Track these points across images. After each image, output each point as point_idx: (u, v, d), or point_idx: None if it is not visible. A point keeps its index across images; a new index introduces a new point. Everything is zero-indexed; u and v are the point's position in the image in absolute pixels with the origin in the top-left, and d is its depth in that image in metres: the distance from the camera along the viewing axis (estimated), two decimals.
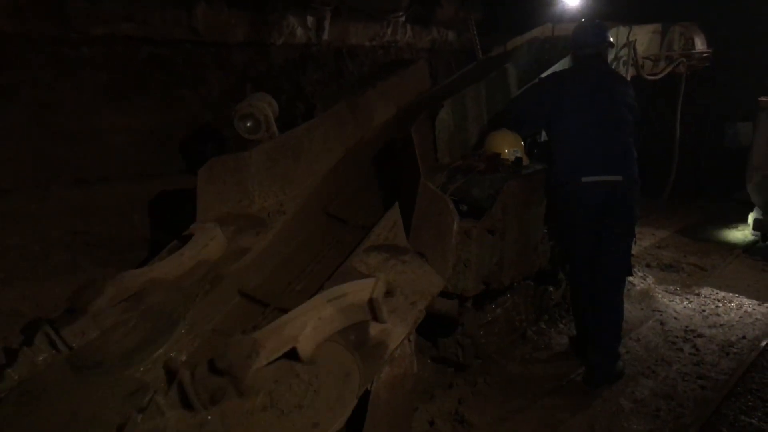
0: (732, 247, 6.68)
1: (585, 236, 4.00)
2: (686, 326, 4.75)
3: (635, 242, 4.23)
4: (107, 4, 4.62)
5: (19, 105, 4.40)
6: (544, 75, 4.67)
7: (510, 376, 3.99)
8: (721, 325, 4.79)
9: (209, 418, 2.56)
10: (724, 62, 7.32)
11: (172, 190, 5.08)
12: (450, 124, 4.27)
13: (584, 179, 3.88)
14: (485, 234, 3.63)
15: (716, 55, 6.83)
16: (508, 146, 4.17)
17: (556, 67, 4.95)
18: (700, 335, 4.61)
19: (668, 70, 6.31)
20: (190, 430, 2.54)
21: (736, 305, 5.17)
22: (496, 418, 3.55)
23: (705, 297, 5.34)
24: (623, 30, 5.82)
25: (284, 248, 3.91)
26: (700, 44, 6.65)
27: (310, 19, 6.04)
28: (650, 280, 5.72)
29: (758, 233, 6.70)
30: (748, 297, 5.34)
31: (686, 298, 5.30)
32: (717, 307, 5.14)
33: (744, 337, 4.57)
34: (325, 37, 6.25)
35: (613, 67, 5.61)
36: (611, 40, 4.36)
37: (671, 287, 5.55)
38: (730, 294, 5.40)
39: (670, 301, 5.24)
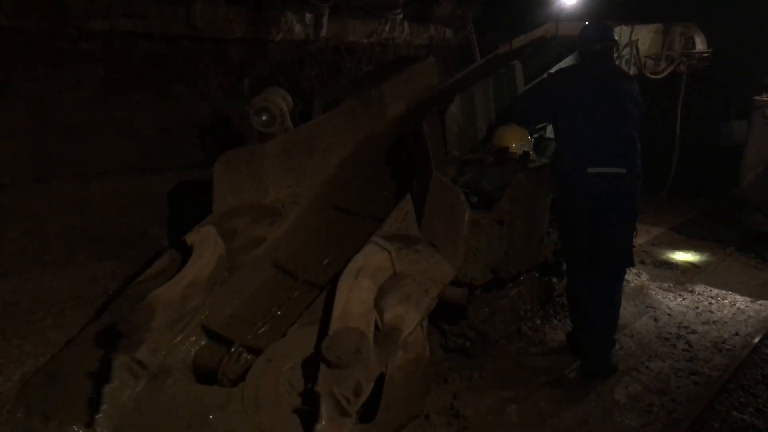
0: (726, 245, 6.71)
1: (586, 227, 4.08)
2: (679, 323, 4.79)
3: (636, 235, 4.30)
4: (105, 0, 4.63)
5: (16, 99, 4.41)
6: (551, 71, 4.77)
7: (505, 371, 4.02)
8: (714, 322, 4.83)
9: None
10: (719, 61, 7.35)
11: (170, 185, 5.10)
12: (459, 119, 4.38)
13: (590, 170, 3.96)
14: (494, 225, 3.75)
15: (713, 55, 6.88)
16: (516, 140, 4.30)
17: (562, 65, 5.06)
18: (693, 332, 4.65)
19: (670, 69, 6.37)
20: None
21: (729, 302, 5.21)
22: (490, 412, 3.58)
23: (698, 294, 5.38)
24: (626, 29, 5.90)
25: (299, 238, 4.02)
26: (700, 44, 6.70)
27: (308, 16, 6.06)
28: (644, 276, 5.75)
29: (752, 231, 6.73)
30: (741, 294, 5.37)
31: (680, 295, 5.34)
32: (710, 304, 5.18)
33: (737, 334, 4.61)
34: (323, 33, 6.27)
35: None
36: (616, 38, 4.43)
37: (665, 284, 5.59)
38: (724, 291, 5.44)
39: (663, 297, 5.28)
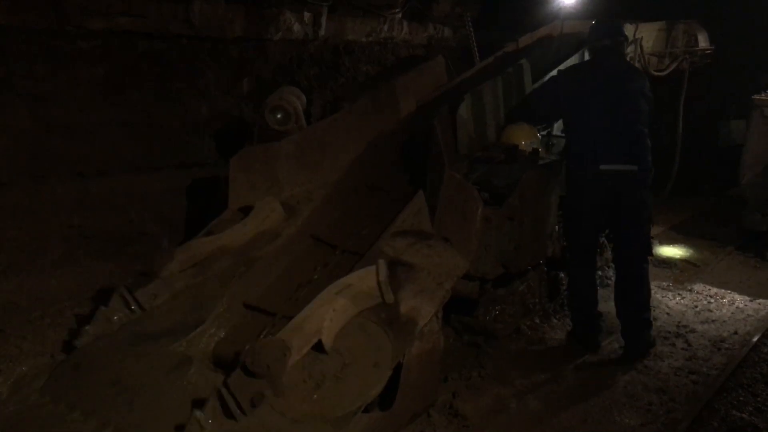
0: (724, 244, 6.71)
1: (593, 224, 4.27)
2: (678, 322, 4.79)
3: (652, 225, 4.42)
4: None
5: (15, 98, 4.40)
6: (560, 68, 4.88)
7: (504, 370, 4.02)
8: (713, 321, 4.83)
9: (251, 422, 2.74)
10: (717, 60, 7.36)
11: (169, 183, 5.09)
12: (469, 117, 4.48)
13: (602, 167, 4.06)
14: (505, 220, 3.86)
15: (714, 53, 6.89)
16: (525, 138, 4.41)
17: (569, 62, 5.14)
18: (692, 330, 4.65)
19: (673, 66, 6.40)
20: None
21: (728, 301, 5.21)
22: (489, 411, 3.57)
23: (697, 293, 5.38)
24: (630, 27, 5.94)
25: (313, 233, 4.15)
26: (702, 41, 6.73)
27: (306, 15, 6.05)
28: None
29: (750, 230, 6.73)
30: (740, 293, 5.37)
31: (679, 294, 5.34)
32: (709, 303, 5.18)
33: (736, 333, 4.61)
34: (322, 32, 6.26)
35: None
36: (626, 34, 4.45)
37: (664, 283, 5.58)
38: (723, 290, 5.44)
39: (662, 296, 5.28)
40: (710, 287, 5.50)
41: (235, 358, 3.18)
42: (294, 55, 6.20)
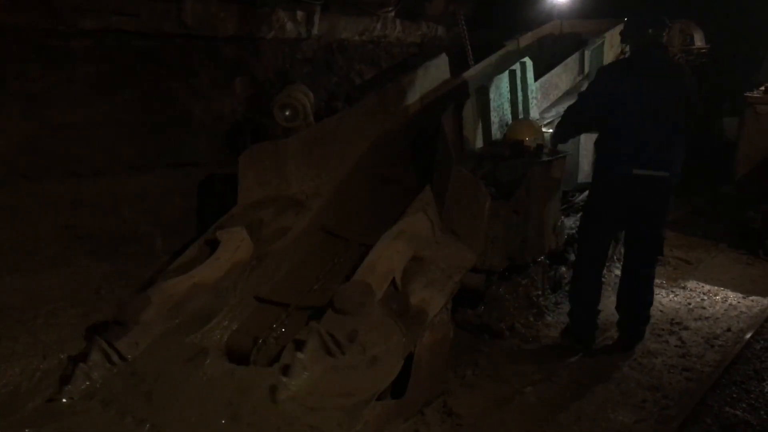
0: (717, 241, 6.73)
1: (613, 225, 4.36)
2: (672, 319, 4.80)
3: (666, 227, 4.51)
4: None
5: (8, 97, 4.38)
6: (601, 67, 4.98)
7: (498, 368, 4.02)
8: (706, 318, 4.84)
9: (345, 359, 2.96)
10: (711, 58, 7.38)
11: (163, 183, 5.08)
12: (475, 114, 4.62)
13: (635, 171, 4.01)
14: (511, 214, 4.00)
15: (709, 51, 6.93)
16: (530, 134, 4.51)
17: (569, 62, 5.16)
18: (685, 328, 4.66)
19: None
20: (341, 372, 2.96)
21: (722, 298, 5.23)
22: (483, 410, 3.58)
23: (691, 290, 5.39)
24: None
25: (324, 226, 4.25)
26: (698, 40, 6.76)
27: (299, 14, 6.04)
28: None
29: (743, 227, 6.75)
30: (733, 290, 5.39)
31: (672, 291, 5.36)
32: (702, 300, 5.20)
33: (729, 330, 4.62)
34: (315, 31, 6.25)
35: None
36: (668, 25, 4.32)
37: (657, 281, 5.53)
38: (716, 287, 5.46)
39: (656, 294, 5.24)
40: (703, 284, 5.52)
41: (250, 348, 3.37)
42: (287, 53, 6.19)
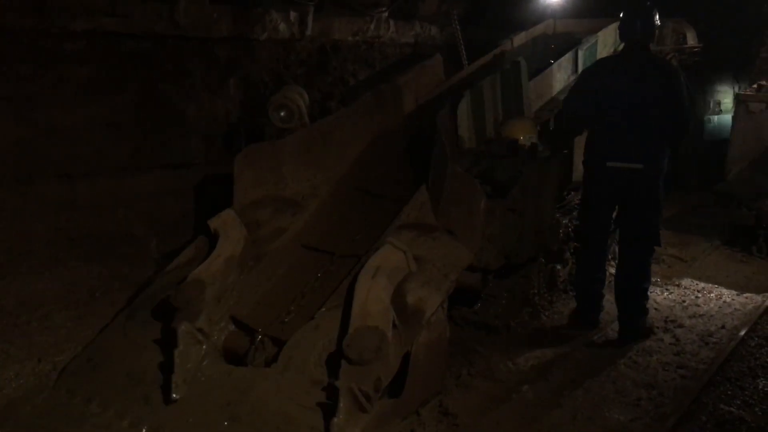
0: (711, 239, 6.75)
1: (604, 214, 4.48)
2: (666, 317, 4.81)
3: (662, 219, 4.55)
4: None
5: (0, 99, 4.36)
6: (585, 67, 5.08)
7: (493, 367, 4.02)
8: (700, 316, 4.86)
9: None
10: (703, 56, 7.41)
11: (156, 185, 5.07)
12: (470, 114, 4.61)
13: (608, 164, 4.25)
14: (507, 213, 3.99)
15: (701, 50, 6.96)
16: (524, 133, 4.54)
17: (563, 61, 5.20)
18: (680, 325, 4.68)
19: None
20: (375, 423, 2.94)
21: (716, 296, 5.24)
22: (479, 410, 3.58)
23: (685, 288, 5.40)
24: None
25: (319, 227, 4.24)
26: (691, 39, 6.79)
27: (293, 15, 6.04)
28: None
29: (737, 225, 6.78)
30: (727, 287, 5.41)
31: (666, 289, 5.37)
32: (697, 297, 5.21)
33: (723, 327, 4.64)
34: (309, 32, 6.25)
35: None
36: (656, 24, 4.40)
37: (652, 278, 5.59)
38: (710, 285, 5.47)
39: (650, 292, 5.27)
40: (698, 282, 5.53)
41: (247, 348, 3.35)
42: (281, 54, 6.18)
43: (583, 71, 4.83)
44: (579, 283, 4.75)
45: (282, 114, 4.75)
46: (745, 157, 6.71)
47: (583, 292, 4.68)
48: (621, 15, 4.43)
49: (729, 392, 3.79)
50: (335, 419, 2.75)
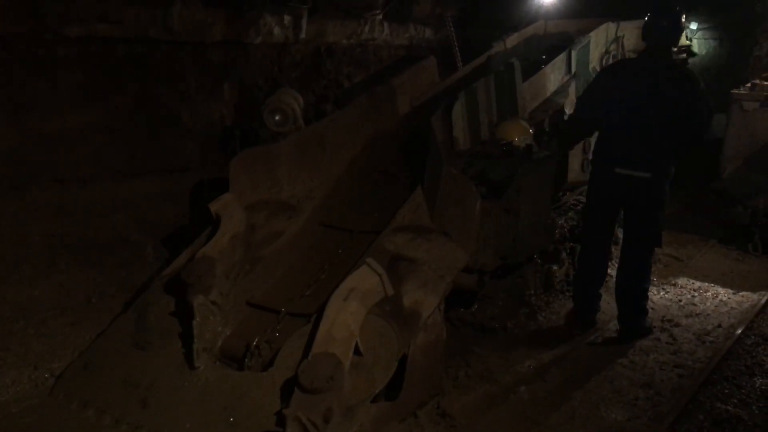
0: (707, 237, 6.76)
1: (607, 218, 4.53)
2: (663, 316, 4.83)
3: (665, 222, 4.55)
4: (81, 4, 4.57)
5: None
6: (601, 69, 5.21)
7: (490, 368, 4.03)
8: (697, 315, 4.87)
9: None
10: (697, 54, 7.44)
11: (151, 190, 5.06)
12: (464, 115, 4.61)
13: (617, 170, 4.25)
14: (502, 214, 4.01)
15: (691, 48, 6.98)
16: (519, 134, 4.56)
17: (557, 62, 5.24)
18: (676, 325, 4.69)
19: None
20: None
21: (712, 294, 5.26)
22: (477, 411, 3.58)
23: (681, 287, 5.42)
24: (612, 26, 6.08)
25: (315, 231, 4.24)
26: (682, 38, 6.80)
27: (287, 18, 6.03)
28: None
29: (732, 223, 6.78)
30: (723, 286, 5.43)
31: (663, 289, 5.38)
32: (693, 296, 5.23)
33: (719, 326, 4.65)
34: (303, 35, 6.24)
35: (603, 62, 5.85)
36: (682, 31, 4.40)
37: None
38: (706, 284, 5.49)
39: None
40: (694, 281, 5.55)
41: (243, 353, 3.33)
42: (275, 58, 6.18)
43: (598, 73, 4.87)
44: (578, 283, 4.77)
45: (277, 118, 4.75)
46: (740, 155, 6.72)
47: (581, 292, 4.70)
48: (647, 15, 4.33)
49: (726, 391, 3.80)
50: None
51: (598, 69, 6.00)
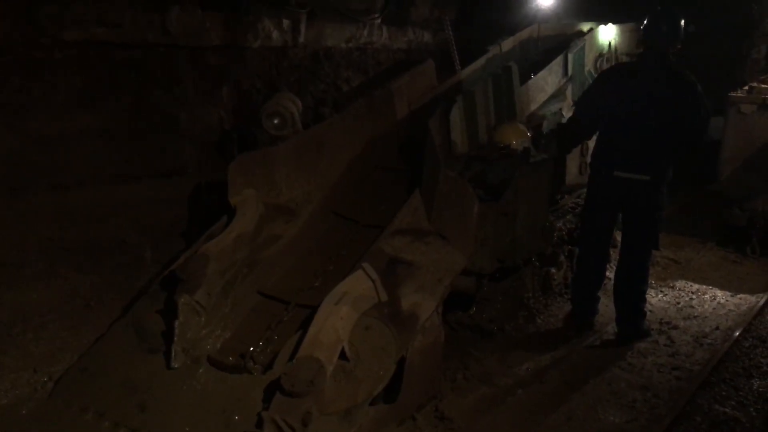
0: (705, 240, 6.76)
1: (605, 220, 4.51)
2: (661, 318, 4.83)
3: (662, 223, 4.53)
4: (79, 9, 4.59)
5: None
6: (599, 73, 5.15)
7: (488, 371, 4.03)
8: (695, 317, 4.87)
9: None
10: (693, 57, 7.43)
11: (149, 193, 5.07)
12: (462, 118, 4.64)
13: (616, 173, 4.26)
14: (500, 216, 4.01)
15: (686, 50, 6.97)
16: (516, 137, 4.59)
17: (554, 66, 5.39)
18: (674, 327, 4.69)
19: None
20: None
21: (710, 297, 5.26)
22: (475, 413, 3.59)
23: (679, 290, 5.42)
24: (605, 29, 6.17)
25: (314, 234, 4.26)
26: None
27: (285, 22, 6.05)
28: None
29: (730, 226, 6.79)
30: (721, 288, 5.43)
31: (661, 291, 5.38)
32: (691, 299, 5.23)
33: (717, 328, 4.65)
34: (301, 39, 6.26)
35: (597, 65, 5.87)
36: (681, 35, 4.30)
37: None
38: (704, 286, 5.49)
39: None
40: (692, 283, 5.55)
41: (241, 357, 3.33)
42: (274, 61, 6.19)
43: (597, 76, 4.87)
44: (576, 286, 4.78)
45: (275, 121, 4.77)
46: (737, 158, 6.73)
47: (579, 294, 4.71)
48: (646, 19, 4.31)
49: (724, 393, 3.80)
50: None
51: (593, 72, 6.03)
